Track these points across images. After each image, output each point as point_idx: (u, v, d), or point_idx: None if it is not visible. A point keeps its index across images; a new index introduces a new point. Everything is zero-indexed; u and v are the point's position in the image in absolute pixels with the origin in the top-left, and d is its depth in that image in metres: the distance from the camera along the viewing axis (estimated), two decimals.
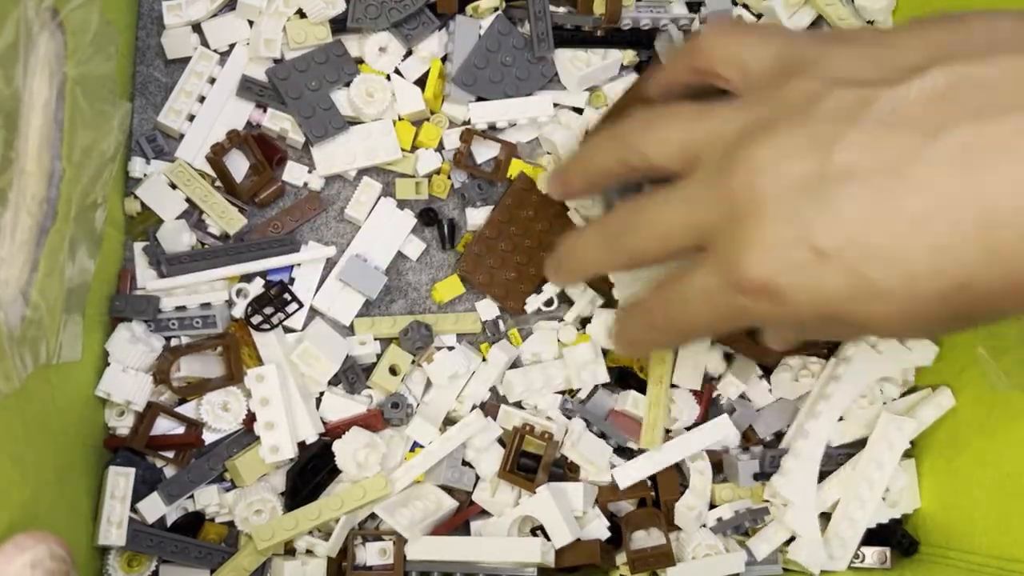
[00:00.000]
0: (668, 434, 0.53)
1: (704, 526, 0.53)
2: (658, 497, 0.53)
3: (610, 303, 0.53)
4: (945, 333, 0.37)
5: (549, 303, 0.54)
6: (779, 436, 0.55)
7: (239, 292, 0.50)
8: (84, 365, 0.46)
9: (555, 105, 0.54)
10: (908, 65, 0.35)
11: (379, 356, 0.52)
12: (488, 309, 0.54)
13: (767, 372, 0.55)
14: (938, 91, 0.33)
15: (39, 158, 0.39)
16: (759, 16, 0.56)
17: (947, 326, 0.36)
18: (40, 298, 0.39)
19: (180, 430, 0.50)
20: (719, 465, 0.54)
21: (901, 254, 0.33)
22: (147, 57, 0.53)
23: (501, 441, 0.52)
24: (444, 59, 0.54)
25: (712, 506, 0.53)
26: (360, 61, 0.53)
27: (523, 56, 0.54)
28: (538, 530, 0.51)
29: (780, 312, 0.36)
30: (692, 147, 0.39)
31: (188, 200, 0.51)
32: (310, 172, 0.53)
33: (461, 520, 0.51)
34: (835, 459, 0.54)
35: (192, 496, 0.50)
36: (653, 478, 0.53)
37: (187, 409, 0.50)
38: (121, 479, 0.47)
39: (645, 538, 0.52)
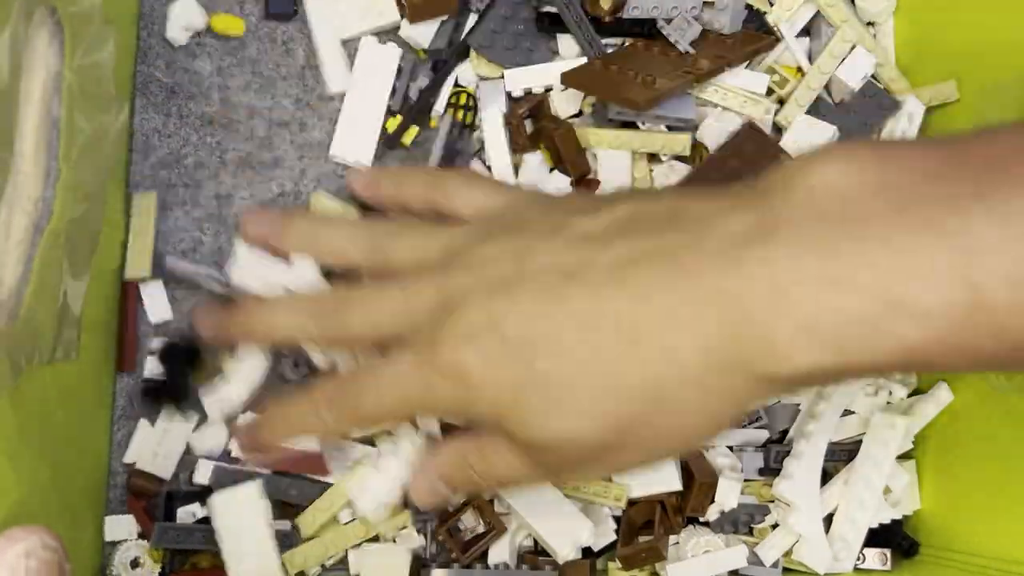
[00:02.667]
0: None
1: (704, 523, 0.53)
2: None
3: None
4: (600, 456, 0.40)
5: None
6: (784, 433, 0.55)
7: None
8: (80, 364, 0.46)
9: None
10: (607, 205, 0.41)
11: None
12: None
13: None
14: (619, 219, 0.40)
15: (35, 157, 0.39)
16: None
17: (607, 439, 0.39)
18: (35, 297, 0.39)
19: None
20: None
21: (566, 348, 0.38)
22: (148, 57, 0.53)
23: None
24: None
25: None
26: None
27: (532, 28, 0.55)
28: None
29: (463, 398, 0.40)
30: (426, 253, 0.44)
31: None
32: None
33: None
34: (839, 455, 0.54)
35: None
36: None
37: None
38: None
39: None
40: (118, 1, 0.50)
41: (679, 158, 0.54)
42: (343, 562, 0.50)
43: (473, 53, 0.54)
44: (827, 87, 0.57)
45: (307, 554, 0.49)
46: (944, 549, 0.53)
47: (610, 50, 0.55)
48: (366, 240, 0.46)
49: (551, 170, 0.54)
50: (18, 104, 0.38)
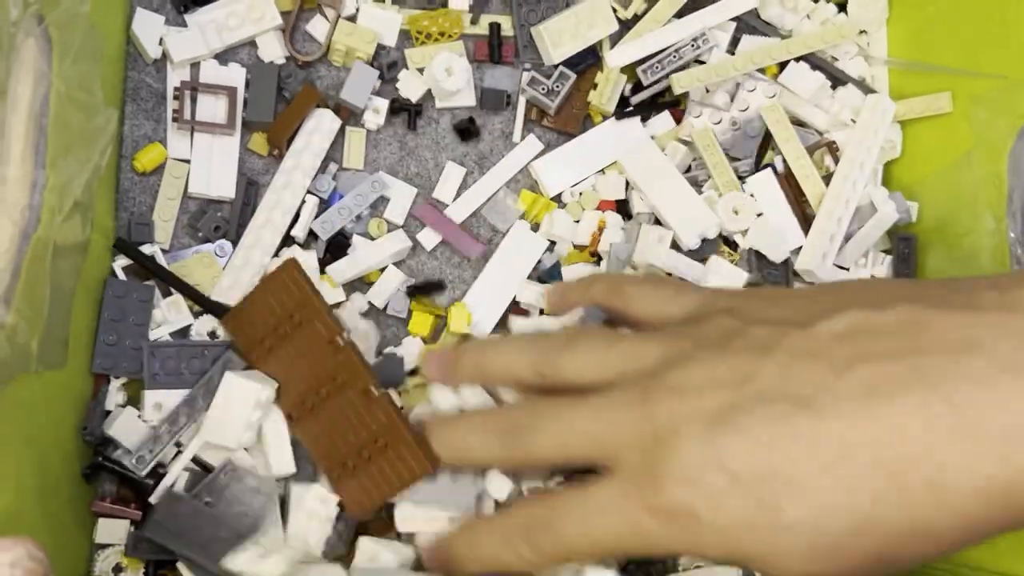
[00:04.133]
0: None
1: None
2: None
3: None
4: None
5: None
6: None
7: None
8: (68, 372, 0.46)
9: None
10: (817, 311, 0.37)
11: None
12: None
13: None
14: (844, 332, 0.36)
15: (22, 164, 0.39)
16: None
17: (855, 568, 0.36)
18: (22, 305, 0.39)
19: None
20: None
21: (810, 485, 0.34)
22: (138, 63, 0.53)
23: None
24: None
25: None
26: None
27: None
28: None
29: (685, 539, 0.37)
30: (610, 367, 0.40)
31: None
32: None
33: None
34: None
35: None
36: None
37: None
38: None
39: None
40: (107, 8, 0.50)
41: None
42: None
43: None
44: None
45: None
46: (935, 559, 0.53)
47: None
48: (535, 354, 0.43)
49: None
50: (5, 111, 0.38)
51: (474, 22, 0.56)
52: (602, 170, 0.56)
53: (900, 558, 0.35)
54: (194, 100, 0.52)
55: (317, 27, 0.55)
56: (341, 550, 0.48)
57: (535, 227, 0.55)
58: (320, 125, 0.53)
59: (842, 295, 0.39)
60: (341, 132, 0.54)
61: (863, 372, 0.34)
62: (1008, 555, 0.48)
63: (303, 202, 0.52)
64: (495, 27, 0.56)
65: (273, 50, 0.54)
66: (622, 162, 0.55)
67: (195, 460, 0.49)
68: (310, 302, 0.48)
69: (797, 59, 0.57)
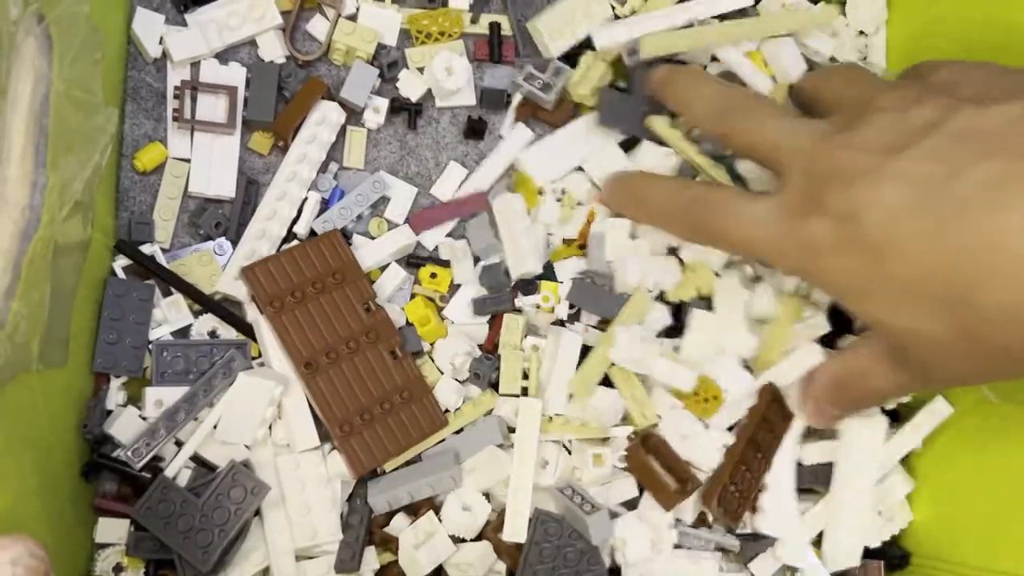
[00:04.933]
0: None
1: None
2: None
3: None
4: (934, 359, 0.41)
5: None
6: None
7: None
8: (68, 372, 0.46)
9: None
10: (1003, 91, 0.40)
11: None
12: None
13: None
14: (1016, 118, 0.38)
15: (22, 164, 0.39)
16: None
17: (939, 341, 0.39)
18: (22, 305, 0.39)
19: None
20: None
21: (919, 251, 0.38)
22: (138, 62, 0.53)
23: None
24: None
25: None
26: None
27: None
28: None
29: (812, 269, 0.42)
30: (845, 92, 0.46)
31: None
32: None
33: None
34: (821, 477, 0.54)
35: None
36: None
37: None
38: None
39: None
40: (107, 7, 0.50)
41: None
42: None
43: None
44: None
45: None
46: (934, 559, 0.53)
47: None
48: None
49: None
50: (5, 110, 0.38)
51: (474, 21, 0.56)
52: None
53: (990, 343, 0.38)
54: (194, 99, 0.52)
55: (317, 26, 0.55)
56: (354, 568, 0.49)
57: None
58: (327, 117, 0.53)
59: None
60: (342, 132, 0.54)
61: (1004, 163, 0.37)
62: (1008, 555, 0.48)
63: (305, 198, 0.52)
64: (495, 26, 0.56)
65: (273, 49, 0.54)
66: (585, 166, 0.55)
67: (197, 458, 0.49)
68: (353, 266, 0.51)
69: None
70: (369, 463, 0.49)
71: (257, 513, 0.49)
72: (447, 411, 0.52)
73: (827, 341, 0.53)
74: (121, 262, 0.50)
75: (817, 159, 0.42)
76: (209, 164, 0.52)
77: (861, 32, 0.58)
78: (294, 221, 0.52)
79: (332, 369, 0.50)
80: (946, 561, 0.52)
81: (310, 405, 0.50)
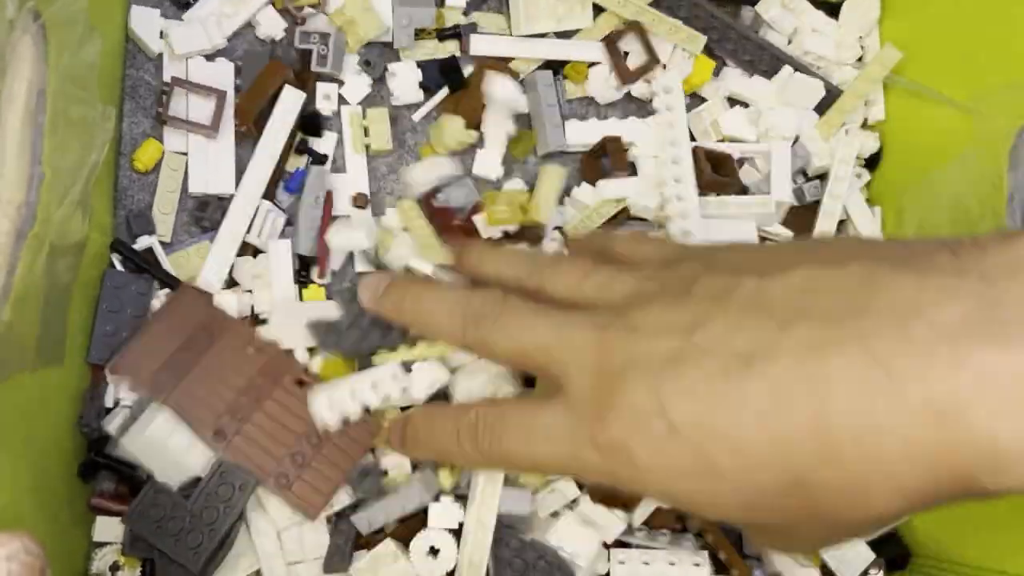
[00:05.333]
0: None
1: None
2: None
3: None
4: (790, 531, 0.38)
5: None
6: None
7: None
8: (65, 370, 0.46)
9: None
10: (777, 264, 0.37)
11: None
12: None
13: None
14: (797, 287, 0.35)
15: (18, 162, 0.39)
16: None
17: (790, 521, 0.36)
18: (18, 303, 0.39)
19: None
20: None
21: (743, 440, 0.35)
22: (136, 60, 0.53)
23: None
24: None
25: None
26: None
27: None
28: None
29: (623, 476, 0.38)
30: (584, 293, 0.41)
31: None
32: None
33: None
34: None
35: None
36: None
37: None
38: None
39: None
40: (105, 4, 0.50)
41: None
42: None
43: None
44: None
45: None
46: (935, 559, 0.53)
47: None
48: (524, 267, 0.45)
49: None
50: (0, 108, 0.38)
51: (466, 14, 0.56)
52: None
53: (835, 519, 0.35)
54: (182, 97, 0.52)
55: (318, 24, 0.55)
56: (343, 568, 0.48)
57: None
58: (287, 103, 0.53)
59: (804, 250, 0.39)
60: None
61: (805, 329, 0.34)
62: (1008, 555, 0.48)
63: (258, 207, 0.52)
64: None
65: (271, 25, 0.54)
66: None
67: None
68: (216, 316, 0.49)
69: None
70: (320, 503, 0.48)
71: (243, 518, 0.48)
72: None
73: None
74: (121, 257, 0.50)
75: (602, 352, 0.38)
76: (206, 163, 0.52)
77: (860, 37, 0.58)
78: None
79: (244, 426, 0.48)
80: (946, 561, 0.52)
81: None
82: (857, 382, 0.32)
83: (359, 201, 0.53)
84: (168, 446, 0.47)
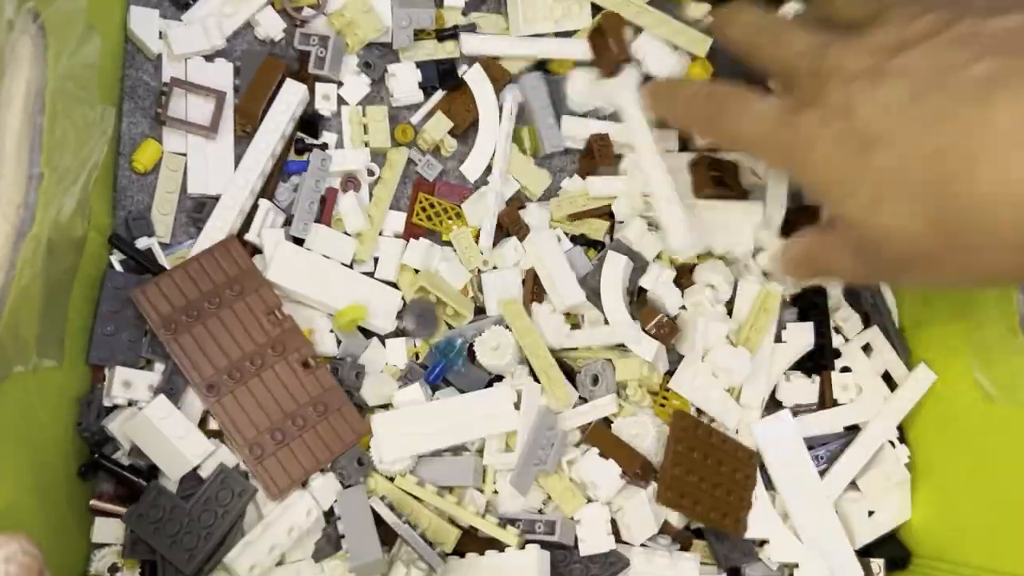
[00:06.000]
0: None
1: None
2: None
3: None
4: (905, 257, 0.42)
5: None
6: None
7: None
8: (64, 370, 0.46)
9: None
10: (1007, 4, 0.40)
11: None
12: None
13: None
14: (1013, 28, 0.39)
15: (16, 162, 0.39)
16: None
17: (911, 238, 0.40)
18: (17, 303, 0.39)
19: None
20: None
21: (902, 146, 0.39)
22: (136, 60, 0.53)
23: None
24: None
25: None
26: None
27: None
28: None
29: (800, 159, 0.43)
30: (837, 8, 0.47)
31: None
32: None
33: None
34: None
35: None
36: None
37: None
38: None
39: None
40: (104, 5, 0.50)
41: None
42: None
43: None
44: None
45: None
46: (935, 559, 0.53)
47: None
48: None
49: None
50: None
51: (464, 14, 0.56)
52: None
53: (966, 250, 0.39)
54: (181, 97, 0.52)
55: (318, 26, 0.55)
56: (330, 552, 0.48)
57: None
58: (288, 95, 0.53)
59: None
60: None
61: (1000, 60, 0.38)
62: (1009, 555, 0.48)
63: (256, 207, 0.52)
64: None
65: (271, 25, 0.54)
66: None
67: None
68: (253, 273, 0.49)
69: None
70: (286, 484, 0.47)
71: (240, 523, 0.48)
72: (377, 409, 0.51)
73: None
74: (119, 255, 0.50)
75: (823, 60, 0.43)
76: (205, 163, 0.52)
77: None
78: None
79: (237, 390, 0.48)
80: (946, 561, 0.52)
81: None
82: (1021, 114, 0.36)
83: (352, 184, 0.54)
84: (164, 431, 0.47)
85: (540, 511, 0.51)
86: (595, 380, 0.52)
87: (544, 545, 0.49)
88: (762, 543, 0.53)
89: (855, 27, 0.44)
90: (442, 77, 0.56)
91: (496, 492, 0.51)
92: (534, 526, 0.49)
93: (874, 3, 0.45)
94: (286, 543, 0.47)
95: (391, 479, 0.50)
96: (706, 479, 0.50)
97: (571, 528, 0.50)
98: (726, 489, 0.51)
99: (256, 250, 0.52)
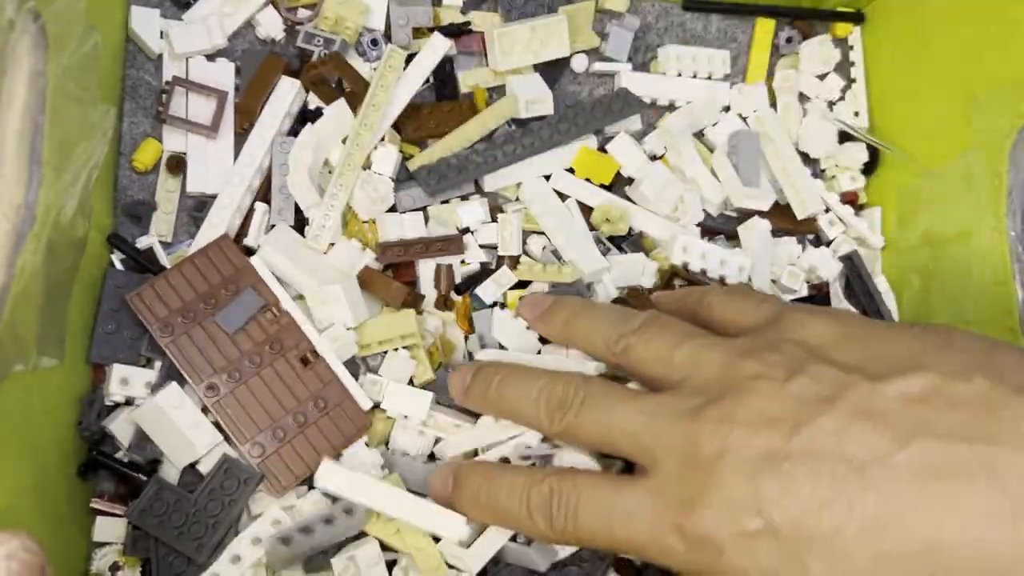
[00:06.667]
0: None
1: None
2: None
3: None
4: None
5: None
6: None
7: None
8: (65, 370, 0.46)
9: None
10: (892, 363, 0.35)
11: None
12: None
13: None
14: (915, 396, 0.34)
15: (17, 162, 0.39)
16: None
17: None
18: (18, 303, 0.39)
19: None
20: None
21: (844, 551, 0.33)
22: (137, 60, 0.53)
23: None
24: None
25: None
26: None
27: None
28: None
29: (704, 568, 0.36)
30: (673, 368, 0.40)
31: None
32: None
33: None
34: None
35: None
36: None
37: None
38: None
39: None
40: (105, 4, 0.50)
41: None
42: None
43: None
44: None
45: None
46: None
47: None
48: (613, 330, 0.43)
49: None
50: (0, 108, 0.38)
51: (463, 12, 0.57)
52: None
53: None
54: (182, 96, 0.52)
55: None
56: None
57: None
58: (283, 92, 0.53)
59: (922, 349, 0.37)
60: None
61: (926, 446, 0.33)
62: None
63: (253, 209, 0.52)
64: None
65: (271, 25, 0.54)
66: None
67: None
68: (248, 271, 0.49)
69: None
70: (289, 481, 0.47)
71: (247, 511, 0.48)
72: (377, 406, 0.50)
73: None
74: (120, 254, 0.50)
75: (693, 441, 0.37)
76: (205, 163, 0.52)
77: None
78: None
79: (237, 389, 0.48)
80: None
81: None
82: (982, 512, 0.32)
83: None
84: (175, 419, 0.47)
85: None
86: None
87: None
88: None
89: (676, 384, 0.39)
90: (438, 83, 0.56)
91: None
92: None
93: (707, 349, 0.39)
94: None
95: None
96: None
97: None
98: None
99: (251, 251, 0.52)
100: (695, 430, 0.37)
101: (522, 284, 0.53)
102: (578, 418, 0.41)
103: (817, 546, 0.34)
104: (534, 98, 0.55)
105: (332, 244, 0.52)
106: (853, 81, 0.61)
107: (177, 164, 0.52)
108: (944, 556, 0.32)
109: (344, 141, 0.52)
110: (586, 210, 0.55)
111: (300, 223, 0.52)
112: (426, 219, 0.53)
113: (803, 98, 0.61)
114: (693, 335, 0.41)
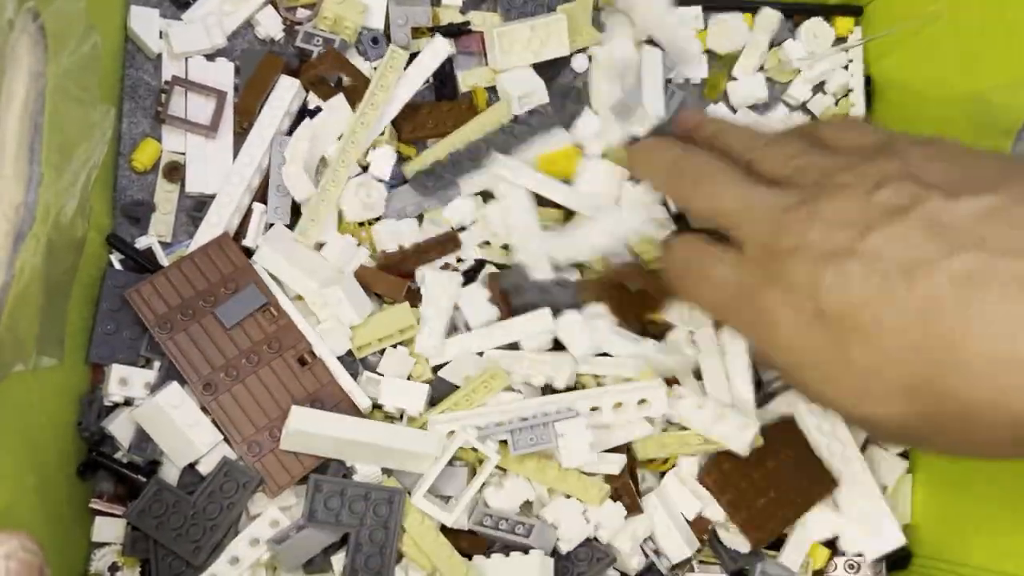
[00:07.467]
0: None
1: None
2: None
3: None
4: (894, 436, 0.42)
5: None
6: None
7: None
8: (65, 370, 0.46)
9: None
10: (972, 182, 0.38)
11: None
12: None
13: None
14: (979, 214, 0.37)
15: (16, 162, 0.39)
16: None
17: (899, 422, 0.39)
18: (17, 303, 0.39)
19: None
20: None
21: (881, 339, 0.38)
22: (136, 60, 0.53)
23: None
24: None
25: None
26: None
27: None
28: None
29: (765, 339, 0.42)
30: (786, 170, 0.44)
31: None
32: None
33: None
34: None
35: None
36: None
37: None
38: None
39: None
40: (104, 5, 0.50)
41: None
42: None
43: None
44: None
45: None
46: (936, 559, 0.53)
47: None
48: (747, 141, 0.48)
49: None
50: None
51: (463, 12, 0.56)
52: None
53: (945, 427, 0.38)
54: (181, 96, 0.52)
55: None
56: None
57: None
58: (282, 91, 0.53)
59: (1003, 175, 0.39)
60: None
61: (973, 257, 0.36)
62: (1009, 555, 0.48)
63: (251, 210, 0.52)
64: None
65: (271, 25, 0.54)
66: None
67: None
68: (248, 270, 0.49)
69: None
70: (285, 482, 0.47)
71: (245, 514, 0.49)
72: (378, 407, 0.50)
73: None
74: (119, 254, 0.50)
75: (777, 231, 0.41)
76: (204, 163, 0.52)
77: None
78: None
79: (234, 387, 0.48)
80: (946, 561, 0.52)
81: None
82: (1007, 315, 0.35)
83: None
84: (175, 419, 0.47)
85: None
86: None
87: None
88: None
89: (783, 181, 0.43)
90: (438, 83, 0.55)
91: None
92: (514, 528, 0.49)
93: (814, 155, 0.44)
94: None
95: None
96: (757, 482, 0.51)
97: (551, 535, 0.49)
98: (775, 501, 0.51)
99: (250, 251, 0.52)
100: (783, 219, 0.41)
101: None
102: (694, 188, 0.46)
103: (858, 333, 0.38)
104: (525, 92, 0.55)
105: (325, 243, 0.52)
106: (852, 80, 0.61)
107: (174, 170, 0.52)
108: (971, 350, 0.35)
109: (340, 138, 0.52)
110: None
111: (297, 223, 0.52)
112: (420, 219, 0.53)
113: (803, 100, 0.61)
114: (810, 149, 0.45)
